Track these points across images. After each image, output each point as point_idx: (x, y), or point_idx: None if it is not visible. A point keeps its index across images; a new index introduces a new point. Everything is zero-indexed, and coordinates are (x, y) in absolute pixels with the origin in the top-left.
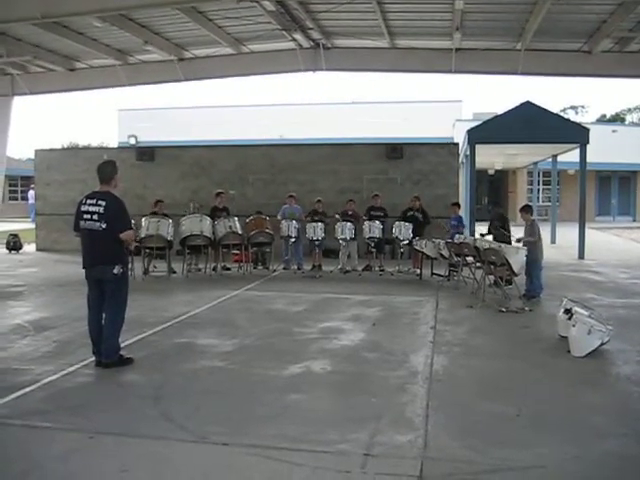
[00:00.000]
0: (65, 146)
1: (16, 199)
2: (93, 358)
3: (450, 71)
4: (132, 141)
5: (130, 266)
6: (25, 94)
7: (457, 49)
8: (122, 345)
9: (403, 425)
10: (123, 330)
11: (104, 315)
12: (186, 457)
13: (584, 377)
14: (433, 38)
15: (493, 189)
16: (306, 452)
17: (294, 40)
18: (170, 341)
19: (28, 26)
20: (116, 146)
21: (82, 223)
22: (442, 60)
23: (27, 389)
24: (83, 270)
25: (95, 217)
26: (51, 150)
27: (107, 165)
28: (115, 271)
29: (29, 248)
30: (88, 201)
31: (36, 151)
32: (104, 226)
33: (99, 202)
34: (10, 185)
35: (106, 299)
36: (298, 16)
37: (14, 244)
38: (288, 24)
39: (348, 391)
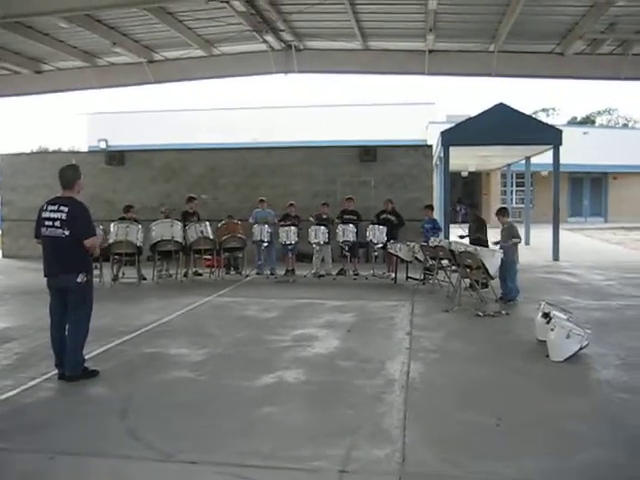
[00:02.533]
0: (34, 150)
1: None
2: (56, 371)
3: (423, 73)
4: (102, 145)
5: (99, 273)
6: None
7: (430, 51)
8: (87, 357)
9: (380, 438)
10: (89, 340)
11: (67, 326)
12: (151, 478)
13: (564, 383)
14: (406, 40)
15: (467, 191)
16: (279, 470)
17: (265, 42)
18: (139, 351)
19: None
20: (85, 150)
21: (43, 230)
22: (415, 62)
23: None
24: (44, 279)
25: (57, 224)
26: (17, 155)
27: (69, 169)
28: (79, 280)
29: None
30: (50, 207)
31: (1, 156)
32: (67, 233)
33: (61, 208)
34: None
35: (69, 309)
36: (269, 17)
37: None
38: (259, 25)
39: (323, 402)
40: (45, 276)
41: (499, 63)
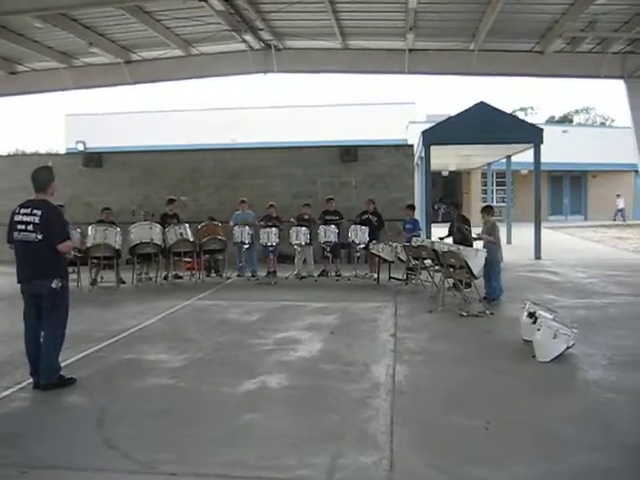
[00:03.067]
0: (10, 153)
1: None
2: (31, 380)
3: (403, 72)
4: (80, 147)
5: (77, 277)
6: None
7: (410, 50)
8: (65, 363)
9: (367, 445)
10: (66, 347)
11: (42, 333)
12: None
13: (551, 384)
14: (386, 38)
15: (448, 190)
16: None
17: (244, 41)
18: (117, 357)
19: None
20: (61, 152)
21: (16, 234)
22: (395, 61)
23: None
24: (18, 285)
25: (30, 227)
26: None
27: (42, 171)
28: (53, 285)
29: None
30: (22, 210)
31: None
32: (40, 237)
33: (34, 211)
34: None
35: (44, 315)
36: (248, 16)
37: None
38: (238, 25)
39: (307, 408)
40: (18, 282)
41: (479, 62)
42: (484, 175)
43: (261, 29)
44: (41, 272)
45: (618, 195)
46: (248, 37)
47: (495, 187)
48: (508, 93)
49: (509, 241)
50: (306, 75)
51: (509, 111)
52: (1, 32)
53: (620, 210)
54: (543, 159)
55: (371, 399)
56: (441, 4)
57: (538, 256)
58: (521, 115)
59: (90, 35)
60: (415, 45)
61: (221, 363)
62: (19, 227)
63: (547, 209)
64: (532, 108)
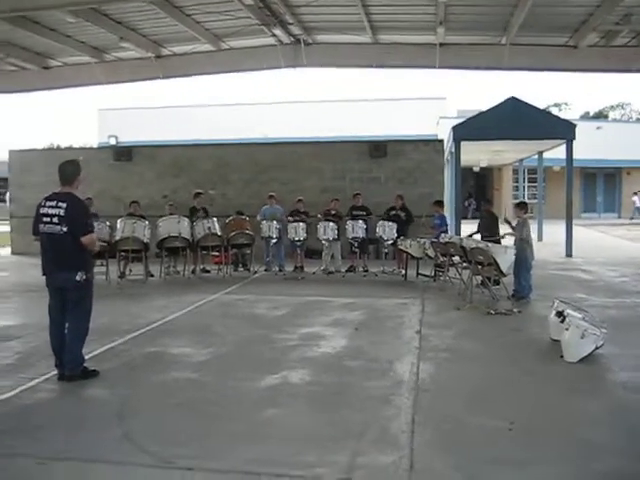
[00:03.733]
0: (44, 147)
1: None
2: (56, 371)
3: (434, 66)
4: (112, 141)
5: (105, 269)
6: None
7: (441, 44)
8: (90, 356)
9: (387, 443)
10: (92, 339)
11: (67, 325)
12: None
13: (578, 385)
14: (416, 33)
15: (479, 186)
16: (279, 477)
17: (274, 36)
18: (141, 350)
19: None
20: (94, 146)
21: (41, 227)
22: (426, 55)
23: None
24: (43, 277)
25: (55, 220)
26: (26, 151)
27: (69, 165)
28: (77, 278)
29: (4, 252)
30: (47, 203)
31: (10, 152)
32: (65, 229)
33: (59, 204)
34: None
35: (68, 308)
36: (277, 10)
37: None
38: (267, 19)
39: (328, 404)
40: (43, 274)
41: (511, 56)
42: (515, 171)
43: (290, 23)
44: (65, 264)
45: (635, 193)
46: (278, 31)
47: (527, 184)
48: (542, 88)
49: (540, 238)
50: (336, 69)
51: (543, 107)
52: (34, 27)
53: (638, 208)
54: (576, 155)
55: (393, 397)
56: None
57: (569, 254)
58: (555, 111)
59: (121, 30)
60: (446, 39)
61: (244, 358)
62: (44, 219)
63: (580, 206)
64: (566, 104)
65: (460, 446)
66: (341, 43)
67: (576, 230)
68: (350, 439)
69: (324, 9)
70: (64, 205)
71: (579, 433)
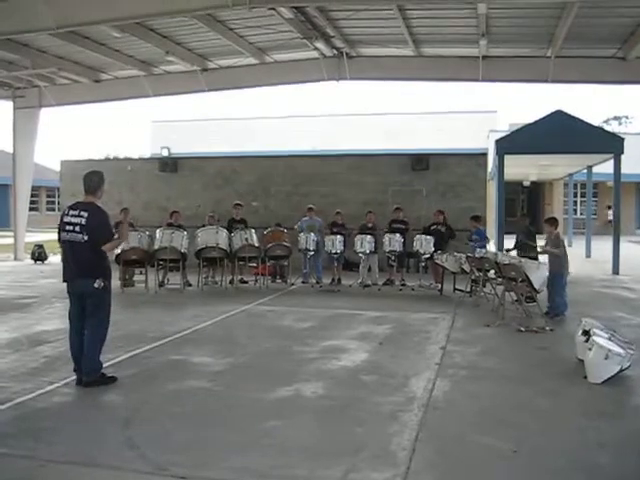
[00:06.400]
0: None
1: (54, 210)
2: (75, 377)
3: (477, 79)
4: (165, 152)
5: (144, 278)
6: (52, 105)
7: (484, 57)
8: (113, 362)
9: (384, 460)
10: (118, 345)
11: (85, 331)
12: None
13: (597, 408)
14: (459, 45)
15: (530, 201)
16: None
17: (316, 49)
18: (163, 358)
19: (51, 38)
20: (141, 157)
21: (64, 235)
22: (469, 68)
23: None
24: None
25: (77, 229)
26: (77, 161)
27: (94, 175)
28: (96, 285)
29: (54, 259)
30: (71, 212)
31: (62, 162)
32: (86, 238)
33: (81, 213)
34: (48, 196)
35: (87, 314)
36: (318, 24)
37: (39, 255)
38: (309, 32)
39: (333, 419)
40: (64, 281)
41: (556, 69)
42: (567, 186)
43: (332, 36)
44: (85, 272)
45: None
46: (320, 44)
47: (579, 199)
48: (599, 102)
49: (588, 255)
50: (379, 82)
51: (601, 121)
52: (85, 42)
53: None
54: (632, 170)
55: (402, 413)
56: (512, 9)
57: (616, 271)
58: (615, 124)
59: (167, 44)
60: (489, 52)
61: (261, 369)
62: (67, 228)
63: (634, 223)
64: (627, 117)
65: (458, 467)
66: (384, 56)
67: (628, 247)
68: (347, 454)
69: (365, 22)
70: (86, 214)
71: (587, 457)
